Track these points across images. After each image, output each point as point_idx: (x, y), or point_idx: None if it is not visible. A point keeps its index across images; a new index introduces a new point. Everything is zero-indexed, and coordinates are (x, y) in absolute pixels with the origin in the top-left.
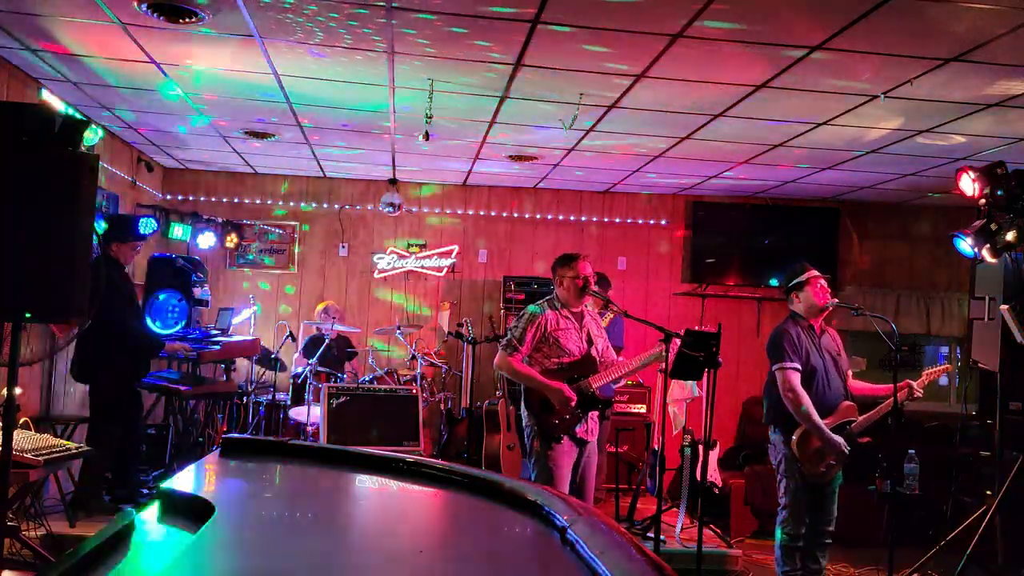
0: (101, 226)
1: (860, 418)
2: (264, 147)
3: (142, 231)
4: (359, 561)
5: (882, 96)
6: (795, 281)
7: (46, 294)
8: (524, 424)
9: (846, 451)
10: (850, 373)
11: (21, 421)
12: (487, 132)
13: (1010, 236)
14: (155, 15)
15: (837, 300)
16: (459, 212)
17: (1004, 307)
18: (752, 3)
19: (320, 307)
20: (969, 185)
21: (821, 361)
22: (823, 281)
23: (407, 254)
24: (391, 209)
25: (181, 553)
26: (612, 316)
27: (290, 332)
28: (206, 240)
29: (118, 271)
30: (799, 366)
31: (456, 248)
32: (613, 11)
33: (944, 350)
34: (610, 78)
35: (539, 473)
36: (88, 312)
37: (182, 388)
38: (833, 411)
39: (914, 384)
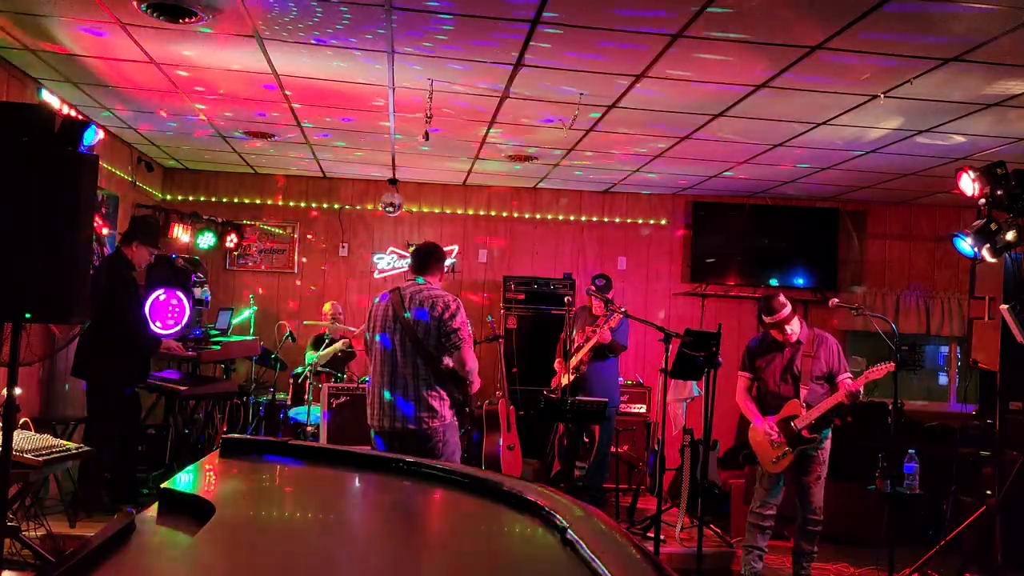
0: (112, 224)
1: (803, 414)
2: (264, 147)
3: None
4: (359, 561)
5: (882, 96)
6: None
7: (46, 294)
8: (442, 417)
9: (771, 433)
10: (842, 379)
11: (21, 421)
12: (487, 132)
13: (1010, 236)
14: (155, 15)
15: (837, 300)
16: (459, 212)
17: (1004, 307)
18: (752, 3)
19: (326, 307)
20: (969, 185)
21: (772, 368)
22: (768, 320)
23: (407, 254)
24: (391, 209)
25: (181, 553)
26: (620, 317)
27: (290, 332)
28: (206, 240)
29: (129, 270)
30: (747, 374)
31: (456, 248)
32: (613, 11)
33: (944, 350)
34: (610, 78)
35: (454, 457)
36: (88, 312)
37: (182, 388)
38: (778, 410)
39: (849, 384)
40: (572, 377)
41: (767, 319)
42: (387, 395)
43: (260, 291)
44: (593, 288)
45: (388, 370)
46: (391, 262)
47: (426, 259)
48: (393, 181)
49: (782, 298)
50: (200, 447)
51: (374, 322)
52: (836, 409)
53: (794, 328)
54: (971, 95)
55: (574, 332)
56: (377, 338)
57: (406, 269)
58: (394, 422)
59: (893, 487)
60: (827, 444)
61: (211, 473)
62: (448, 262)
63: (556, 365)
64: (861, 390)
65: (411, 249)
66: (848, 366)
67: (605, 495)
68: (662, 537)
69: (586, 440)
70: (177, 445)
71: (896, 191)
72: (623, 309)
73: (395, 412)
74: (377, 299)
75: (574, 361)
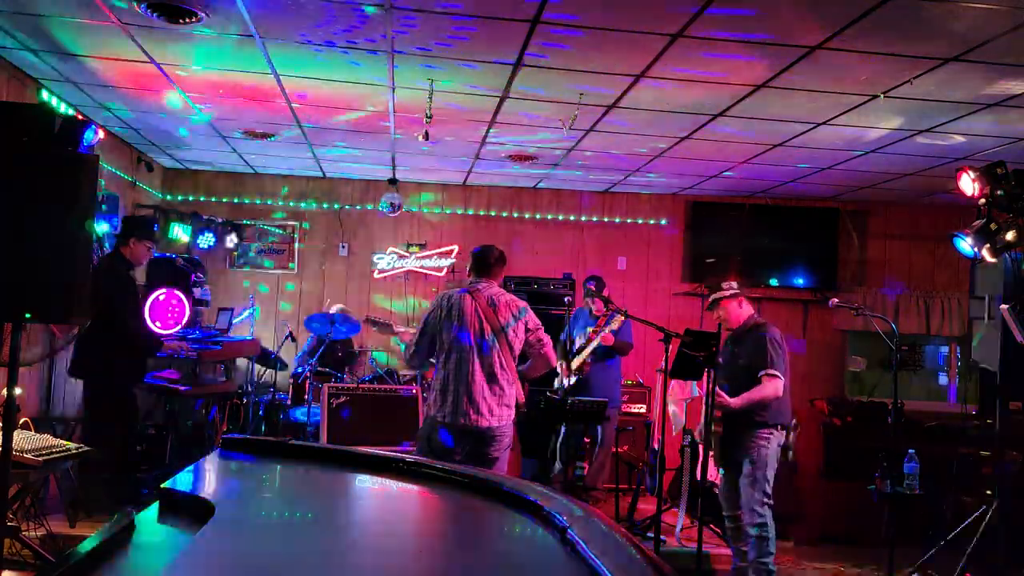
0: (112, 224)
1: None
2: (264, 147)
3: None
4: (359, 561)
5: (882, 96)
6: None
7: (46, 294)
8: (511, 415)
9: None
10: (762, 375)
11: (21, 421)
12: (487, 132)
13: (1010, 236)
14: (155, 15)
15: (837, 300)
16: (459, 212)
17: (1004, 307)
18: (752, 3)
19: (335, 309)
20: (969, 185)
21: (722, 362)
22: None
23: (407, 254)
24: (391, 209)
25: (181, 553)
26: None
27: (290, 332)
28: (206, 240)
29: (127, 269)
30: None
31: (456, 248)
32: (613, 11)
33: (944, 350)
34: (610, 78)
35: (507, 455)
36: (88, 312)
37: (182, 388)
38: None
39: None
40: (575, 379)
41: (717, 302)
42: (471, 392)
43: (260, 291)
44: (593, 288)
45: (473, 368)
46: (391, 262)
47: (496, 263)
48: (393, 181)
49: (725, 284)
50: (200, 447)
51: (455, 320)
52: (725, 407)
53: (728, 316)
54: (971, 95)
55: (575, 333)
56: (460, 336)
57: (406, 269)
58: (479, 418)
59: (893, 487)
60: (756, 443)
61: (211, 473)
62: (447, 262)
63: (558, 367)
64: (717, 401)
65: (473, 252)
66: (774, 363)
67: (604, 495)
68: (662, 537)
69: (586, 441)
70: (177, 445)
71: (896, 191)
72: (624, 310)
73: (479, 408)
74: (446, 296)
75: (576, 363)
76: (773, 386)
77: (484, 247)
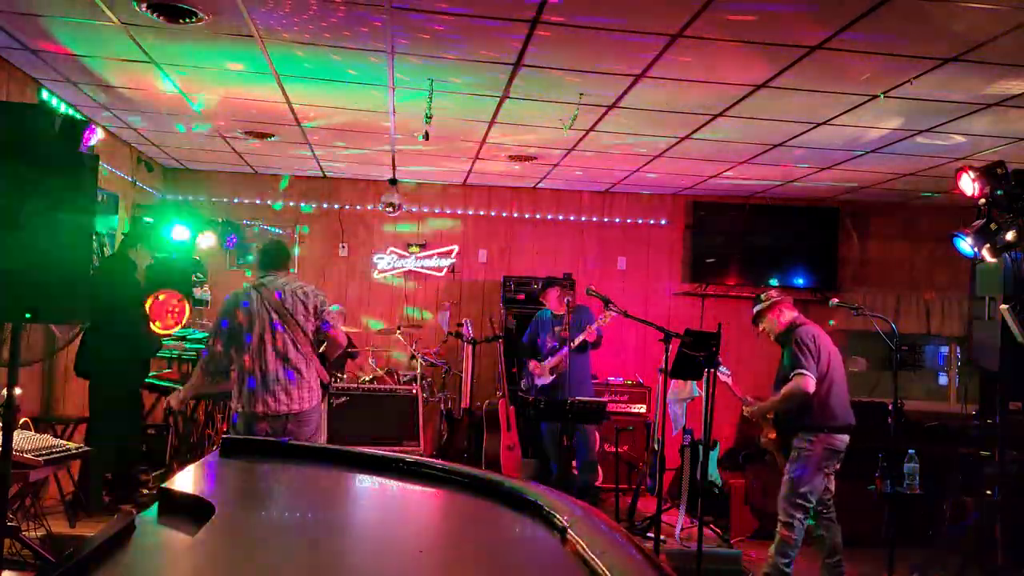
0: (112, 224)
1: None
2: (264, 147)
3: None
4: (359, 561)
5: (882, 96)
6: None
7: (46, 294)
8: (319, 397)
9: None
10: (791, 375)
11: (21, 421)
12: (487, 132)
13: (1010, 236)
14: (155, 15)
15: (837, 300)
16: (459, 212)
17: (1004, 307)
18: (752, 2)
19: (335, 309)
20: (969, 185)
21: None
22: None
23: (407, 254)
24: (391, 209)
25: (181, 553)
26: (611, 316)
27: None
28: (206, 240)
29: (132, 270)
30: None
31: (456, 248)
32: (612, 11)
33: (944, 350)
34: (610, 78)
35: (319, 436)
36: (88, 312)
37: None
38: None
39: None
40: (552, 377)
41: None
42: (278, 381)
43: None
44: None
45: (280, 358)
46: (391, 262)
47: (282, 255)
48: (393, 181)
49: (764, 295)
50: (200, 447)
51: (246, 317)
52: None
53: (770, 328)
54: (971, 95)
55: (543, 336)
56: (252, 331)
57: (406, 269)
58: (290, 404)
59: (893, 487)
60: (798, 446)
61: (211, 473)
62: (447, 262)
63: (532, 367)
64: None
65: (260, 247)
66: (799, 363)
67: (600, 494)
68: (662, 537)
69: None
70: (177, 445)
71: (896, 191)
72: (597, 294)
73: (289, 396)
74: (234, 296)
75: (554, 361)
76: (793, 384)
77: (269, 243)
